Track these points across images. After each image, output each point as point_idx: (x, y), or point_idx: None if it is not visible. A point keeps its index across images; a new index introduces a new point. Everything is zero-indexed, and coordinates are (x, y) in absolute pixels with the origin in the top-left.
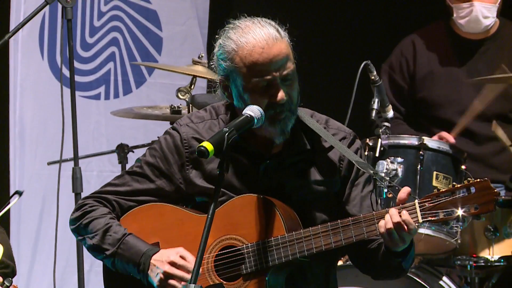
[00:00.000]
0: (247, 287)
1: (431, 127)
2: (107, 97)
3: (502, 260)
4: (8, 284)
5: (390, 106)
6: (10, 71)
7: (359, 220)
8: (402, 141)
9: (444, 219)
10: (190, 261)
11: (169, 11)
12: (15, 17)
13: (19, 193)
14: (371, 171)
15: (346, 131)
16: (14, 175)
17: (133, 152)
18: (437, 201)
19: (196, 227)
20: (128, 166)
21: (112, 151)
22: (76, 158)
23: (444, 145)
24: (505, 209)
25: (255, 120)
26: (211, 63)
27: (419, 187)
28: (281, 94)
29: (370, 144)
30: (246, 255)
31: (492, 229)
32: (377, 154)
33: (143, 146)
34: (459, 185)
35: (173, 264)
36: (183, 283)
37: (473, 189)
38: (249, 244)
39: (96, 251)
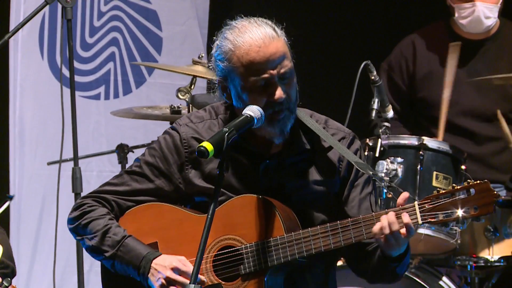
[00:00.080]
0: None
1: (431, 127)
2: (107, 97)
3: (502, 260)
4: (6, 285)
5: (390, 106)
6: (10, 71)
7: (358, 221)
8: (402, 141)
9: (443, 220)
10: (192, 268)
11: (169, 11)
12: (15, 17)
13: (10, 197)
14: (370, 172)
15: (345, 131)
16: (14, 175)
17: (133, 152)
18: (437, 203)
19: (194, 227)
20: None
21: (112, 151)
22: (76, 158)
23: (444, 145)
24: (505, 209)
25: (255, 120)
26: (209, 64)
27: (419, 187)
28: (279, 92)
29: (370, 144)
30: (245, 256)
31: (492, 229)
32: (377, 154)
33: (143, 146)
34: (459, 187)
35: (175, 269)
36: None
37: (472, 191)
38: (248, 245)
39: (95, 252)
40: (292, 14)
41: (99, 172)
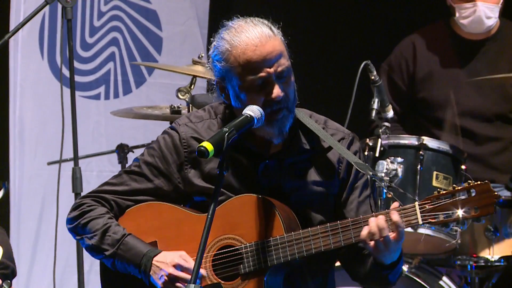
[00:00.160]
0: (245, 287)
1: (431, 128)
2: (107, 97)
3: (502, 260)
4: (6, 286)
5: (390, 106)
6: (10, 71)
7: (358, 221)
8: (402, 141)
9: (444, 221)
10: (193, 263)
11: (169, 11)
12: (15, 17)
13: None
14: (370, 172)
15: (344, 132)
16: (14, 175)
17: (133, 152)
18: (438, 203)
19: (194, 227)
20: None
21: (112, 151)
22: (76, 158)
23: (444, 145)
24: (505, 209)
25: (255, 120)
26: (207, 65)
27: (419, 187)
28: (276, 91)
29: (370, 144)
30: (244, 255)
31: (492, 229)
32: (377, 154)
33: (143, 146)
34: (459, 187)
35: (177, 266)
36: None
37: (473, 192)
38: (248, 244)
39: (95, 251)
40: (292, 14)
41: (99, 172)
